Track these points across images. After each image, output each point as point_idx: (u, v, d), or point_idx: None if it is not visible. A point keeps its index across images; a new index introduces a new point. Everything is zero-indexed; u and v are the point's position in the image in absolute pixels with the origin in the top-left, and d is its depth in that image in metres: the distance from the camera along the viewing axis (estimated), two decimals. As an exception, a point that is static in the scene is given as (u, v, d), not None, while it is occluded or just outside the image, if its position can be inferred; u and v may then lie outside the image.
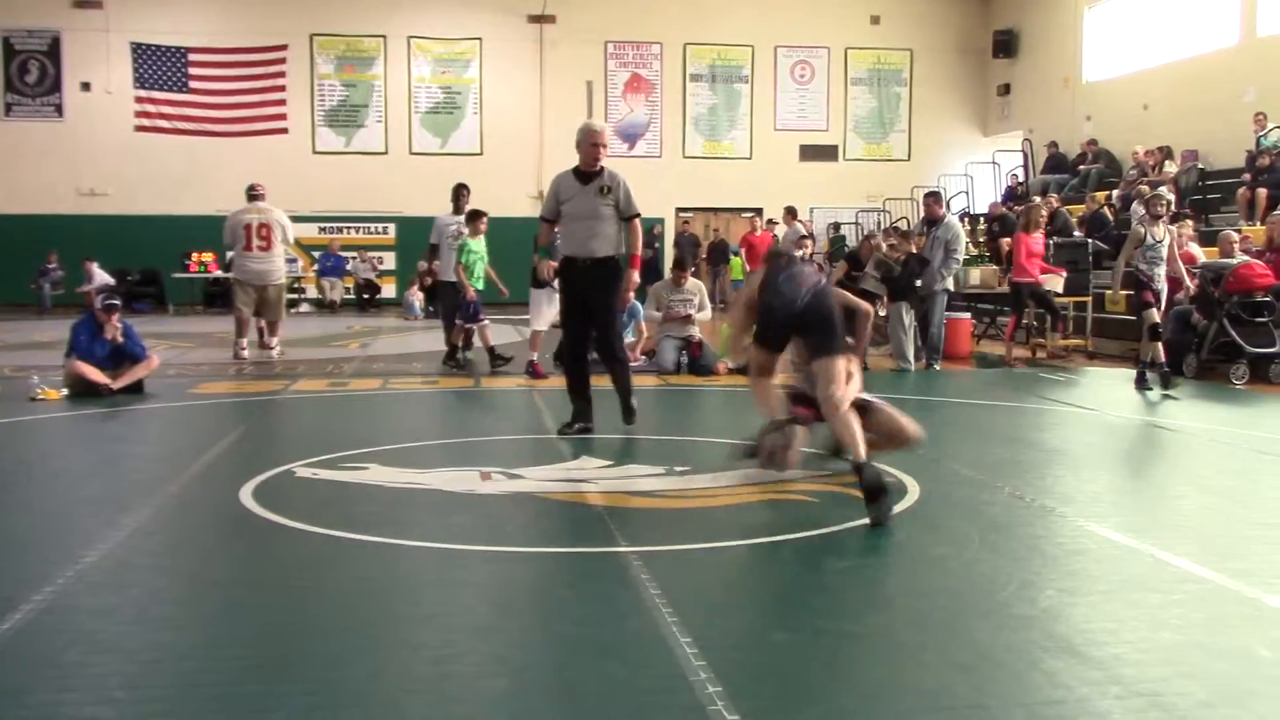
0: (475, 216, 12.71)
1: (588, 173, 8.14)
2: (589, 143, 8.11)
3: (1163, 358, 11.08)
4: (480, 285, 12.65)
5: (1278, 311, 12.04)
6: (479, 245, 12.63)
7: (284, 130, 25.70)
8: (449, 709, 3.36)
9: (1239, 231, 14.08)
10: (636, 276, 8.36)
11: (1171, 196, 12.99)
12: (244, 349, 13.42)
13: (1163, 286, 11.32)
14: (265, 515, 5.66)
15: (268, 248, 13.37)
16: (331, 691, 3.44)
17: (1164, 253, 11.24)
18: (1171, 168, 19.26)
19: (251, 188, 13.77)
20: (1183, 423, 9.29)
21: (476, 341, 13.05)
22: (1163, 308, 11.44)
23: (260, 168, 23.51)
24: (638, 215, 8.29)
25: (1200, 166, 18.61)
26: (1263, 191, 15.73)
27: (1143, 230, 11.36)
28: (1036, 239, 14.08)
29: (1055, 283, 14.55)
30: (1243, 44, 19.20)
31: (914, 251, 13.33)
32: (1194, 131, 19.66)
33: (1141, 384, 11.11)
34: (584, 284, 8.12)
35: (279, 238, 13.45)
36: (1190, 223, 14.96)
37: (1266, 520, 5.97)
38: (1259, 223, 14.48)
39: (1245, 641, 3.96)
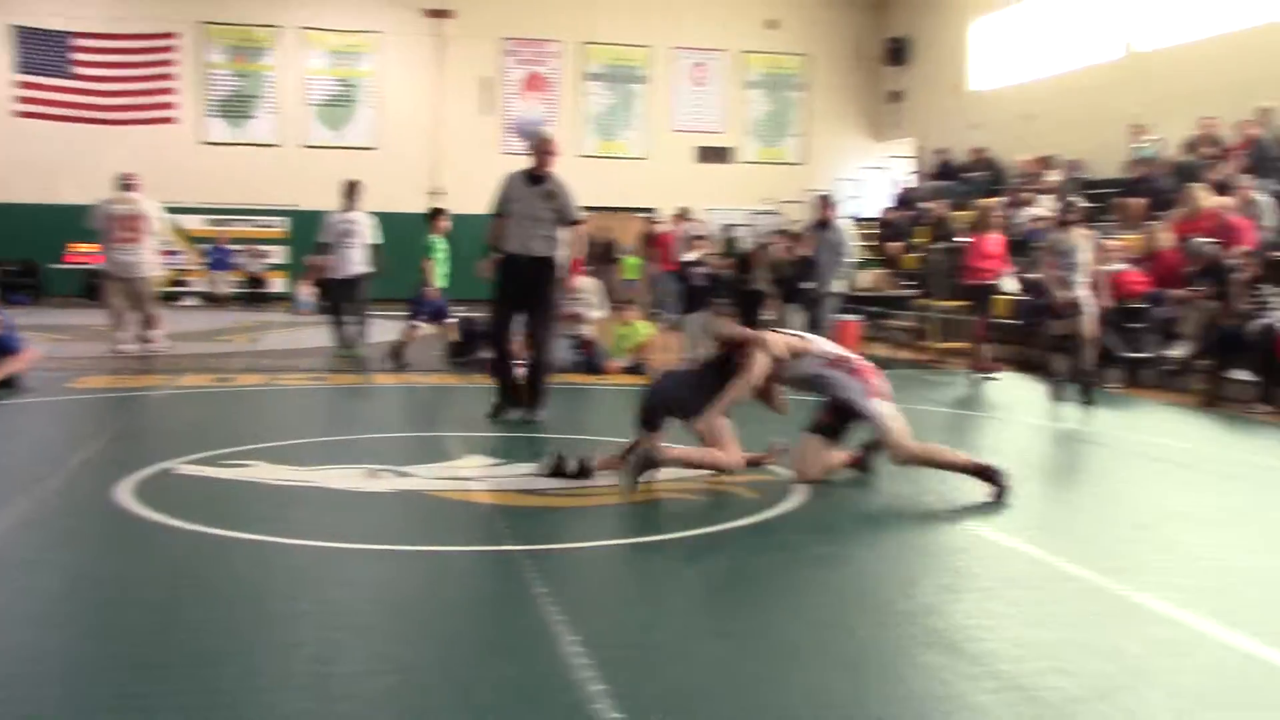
0: (437, 214, 12.88)
1: (537, 175, 8.56)
2: (542, 150, 8.64)
3: (1089, 365, 10.85)
4: (446, 284, 12.69)
5: (1152, 318, 12.45)
6: (444, 243, 12.69)
7: (172, 120, 25.04)
8: (329, 708, 3.30)
9: (1118, 240, 14.52)
10: (575, 280, 9.06)
11: (1082, 204, 12.87)
12: (123, 342, 13.06)
13: (1083, 294, 11.01)
14: (143, 513, 5.51)
15: (135, 240, 12.97)
16: (206, 691, 3.36)
17: (1079, 259, 11.01)
18: (1054, 177, 19.78)
19: (124, 178, 13.39)
20: (1061, 426, 9.55)
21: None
22: (1089, 313, 11.00)
23: (147, 157, 22.86)
24: (579, 221, 8.72)
25: (1082, 176, 19.14)
26: (1140, 201, 16.23)
27: (1056, 238, 11.27)
28: (992, 240, 13.74)
29: (1010, 284, 14.32)
30: (1124, 58, 19.81)
31: (804, 254, 13.51)
32: (1076, 141, 20.21)
33: (1061, 393, 10.79)
34: (522, 281, 8.47)
35: (147, 230, 13.10)
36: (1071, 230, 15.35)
37: (1139, 520, 6.17)
38: (1136, 232, 14.94)
39: (1116, 638, 4.08)
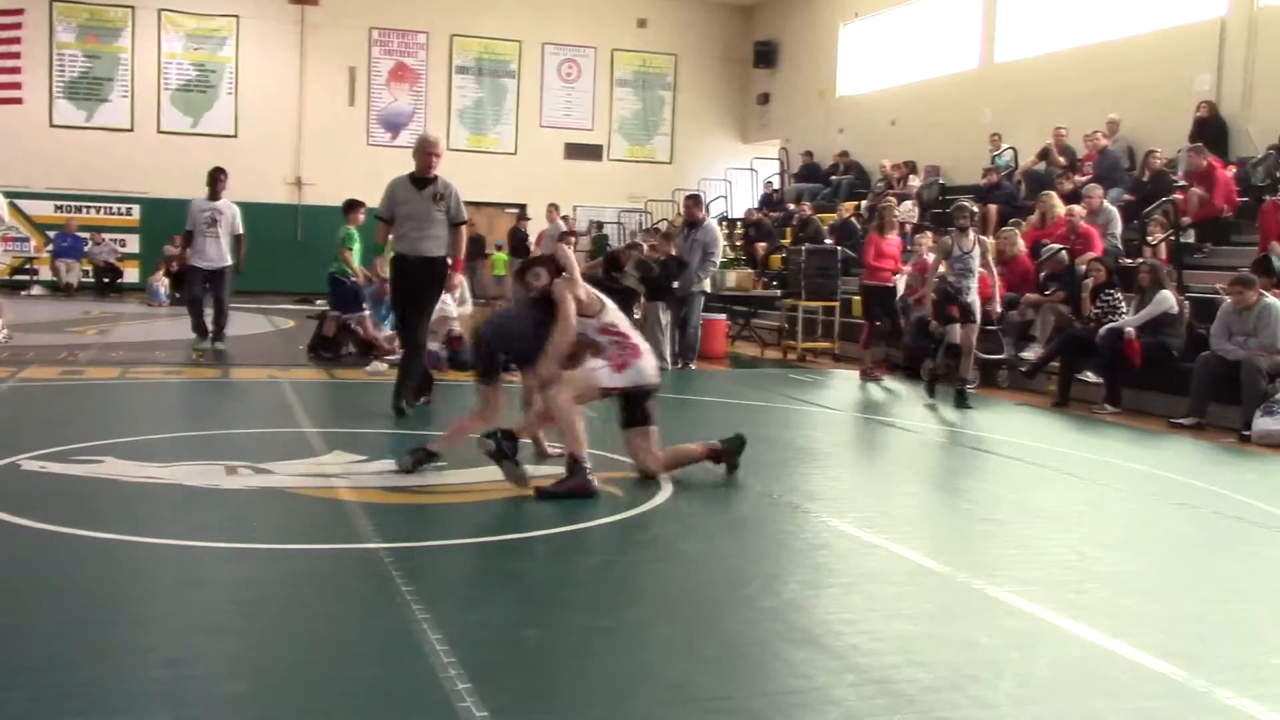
0: (353, 206, 12.93)
1: (423, 179, 8.73)
2: (425, 152, 8.75)
3: (966, 373, 11.05)
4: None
5: (1005, 320, 12.85)
6: (358, 234, 12.68)
7: (18, 100, 24.01)
8: (181, 713, 3.21)
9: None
10: (459, 277, 9.40)
11: (975, 208, 12.80)
12: None
13: (974, 300, 11.03)
14: (-15, 511, 5.27)
15: None
16: (52, 697, 3.24)
17: (973, 264, 10.98)
18: (915, 181, 20.29)
19: None
20: (918, 424, 9.80)
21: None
22: (977, 321, 11.13)
23: (-8, 139, 21.99)
24: (465, 222, 8.96)
25: (941, 181, 19.68)
26: (994, 207, 16.76)
27: (950, 241, 11.19)
28: (891, 240, 13.52)
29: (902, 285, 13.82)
30: (982, 68, 20.42)
31: (672, 253, 13.60)
32: (937, 148, 20.78)
33: (930, 394, 11.05)
34: (414, 280, 8.76)
35: None
36: (930, 234, 15.77)
37: (990, 516, 6.37)
38: (991, 236, 15.42)
39: (970, 630, 4.20)
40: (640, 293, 13.38)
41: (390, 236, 8.83)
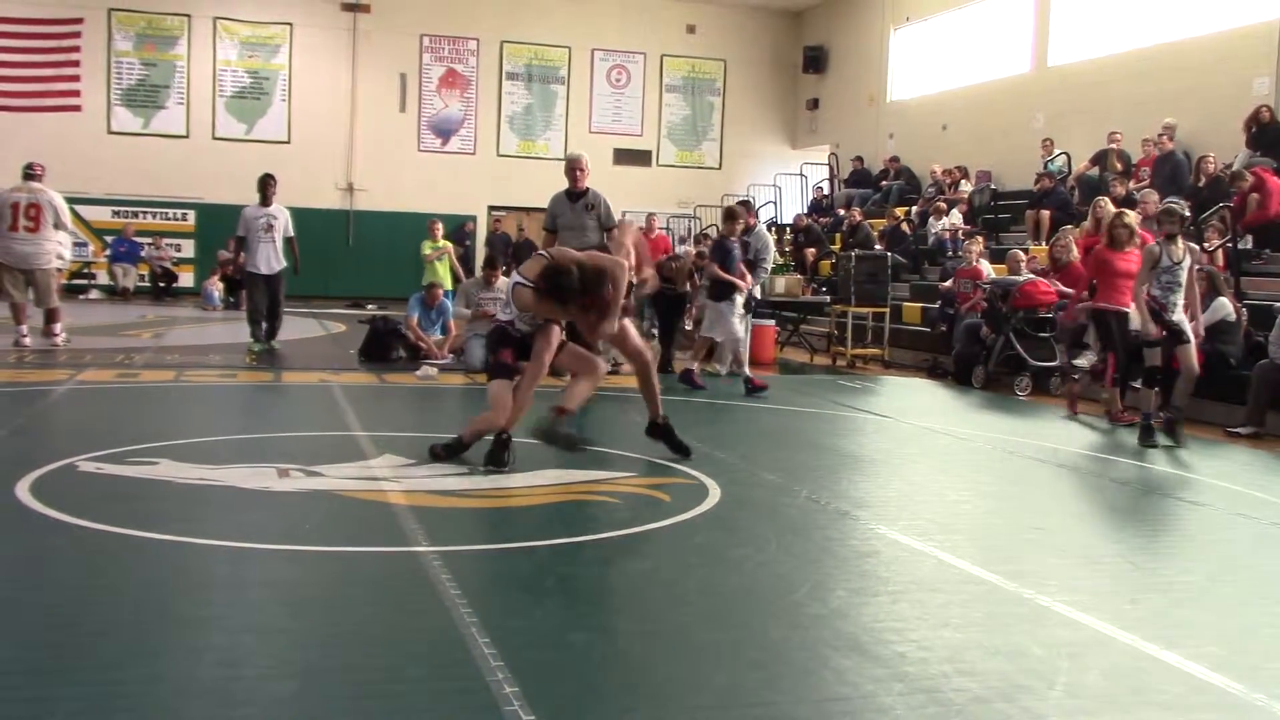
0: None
1: (576, 193, 9.96)
2: (572, 169, 10.05)
3: (1153, 406, 9.40)
4: None
5: (1059, 327, 12.72)
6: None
7: (77, 108, 24.41)
8: (233, 713, 3.24)
9: (1026, 251, 14.82)
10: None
11: (1185, 210, 10.97)
12: (25, 336, 12.71)
13: (1181, 317, 9.41)
14: (44, 511, 5.36)
15: (35, 229, 12.66)
16: (107, 695, 3.28)
17: (1182, 277, 9.35)
18: (967, 187, 20.15)
19: (28, 166, 13.13)
20: (969, 431, 9.72)
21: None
22: (1194, 342, 9.49)
23: (50, 146, 22.27)
24: (615, 226, 9.61)
25: (993, 187, 19.52)
26: (1047, 213, 16.60)
27: (1158, 249, 9.43)
28: (1130, 256, 10.18)
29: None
30: (1034, 72, 20.24)
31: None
32: (988, 153, 20.62)
33: (1147, 439, 9.16)
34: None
35: (49, 220, 12.76)
36: (981, 240, 15.67)
37: (1041, 525, 6.30)
38: (1044, 243, 15.27)
39: (1019, 640, 4.16)
40: (690, 300, 13.56)
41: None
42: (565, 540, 5.42)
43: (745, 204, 14.71)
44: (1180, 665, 3.94)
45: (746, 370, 11.65)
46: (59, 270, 13.57)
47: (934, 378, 13.57)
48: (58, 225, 12.90)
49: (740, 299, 11.59)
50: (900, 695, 3.56)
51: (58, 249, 13.02)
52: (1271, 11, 15.59)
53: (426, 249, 16.57)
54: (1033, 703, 3.54)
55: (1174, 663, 3.96)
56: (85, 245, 23.22)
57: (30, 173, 13.03)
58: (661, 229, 17.13)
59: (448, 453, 6.95)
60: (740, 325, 11.74)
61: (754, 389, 11.28)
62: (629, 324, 7.29)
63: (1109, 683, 3.78)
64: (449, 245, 16.92)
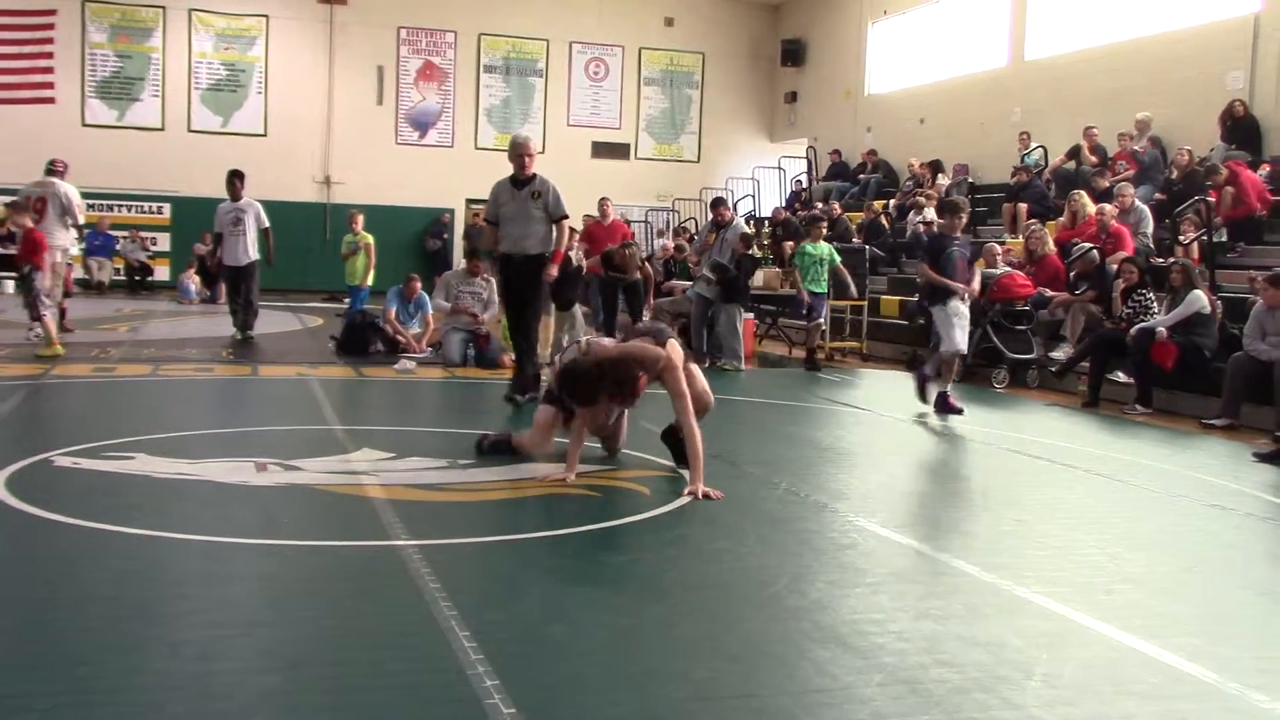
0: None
1: (520, 179, 9.22)
2: (518, 154, 9.22)
3: None
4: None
5: (1036, 320, 12.79)
6: None
7: (51, 100, 24.23)
8: (212, 706, 3.23)
9: (1003, 244, 14.89)
10: (555, 270, 9.39)
11: None
12: (36, 329, 12.80)
13: None
14: (18, 506, 5.33)
15: (39, 222, 12.69)
16: (84, 690, 3.26)
17: None
18: (944, 180, 20.21)
19: (51, 162, 13.31)
20: (947, 424, 9.75)
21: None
22: None
23: (24, 138, 22.18)
24: (565, 217, 9.36)
25: (970, 180, 19.58)
26: (1023, 206, 16.67)
27: None
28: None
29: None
30: (1011, 66, 20.31)
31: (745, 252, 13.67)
32: (965, 146, 20.69)
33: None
34: (518, 277, 9.20)
35: (54, 213, 12.75)
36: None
37: (1019, 517, 6.33)
38: (1021, 236, 15.34)
39: (998, 631, 4.18)
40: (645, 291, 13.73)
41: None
42: (545, 533, 5.42)
43: (721, 200, 14.76)
44: (1157, 655, 3.97)
45: (947, 385, 10.11)
46: (69, 265, 13.84)
47: (912, 370, 13.60)
48: (61, 217, 12.89)
49: (956, 304, 9.95)
50: (879, 686, 3.57)
51: (63, 242, 13.03)
52: (1246, 6, 15.69)
53: (344, 245, 16.18)
54: (1011, 693, 3.56)
55: (1151, 653, 3.99)
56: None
57: (51, 168, 13.21)
58: (618, 217, 16.16)
59: (493, 449, 7.02)
60: (962, 336, 10.04)
61: (947, 408, 9.90)
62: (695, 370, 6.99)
63: (1086, 673, 3.80)
64: (369, 239, 16.17)
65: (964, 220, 10.47)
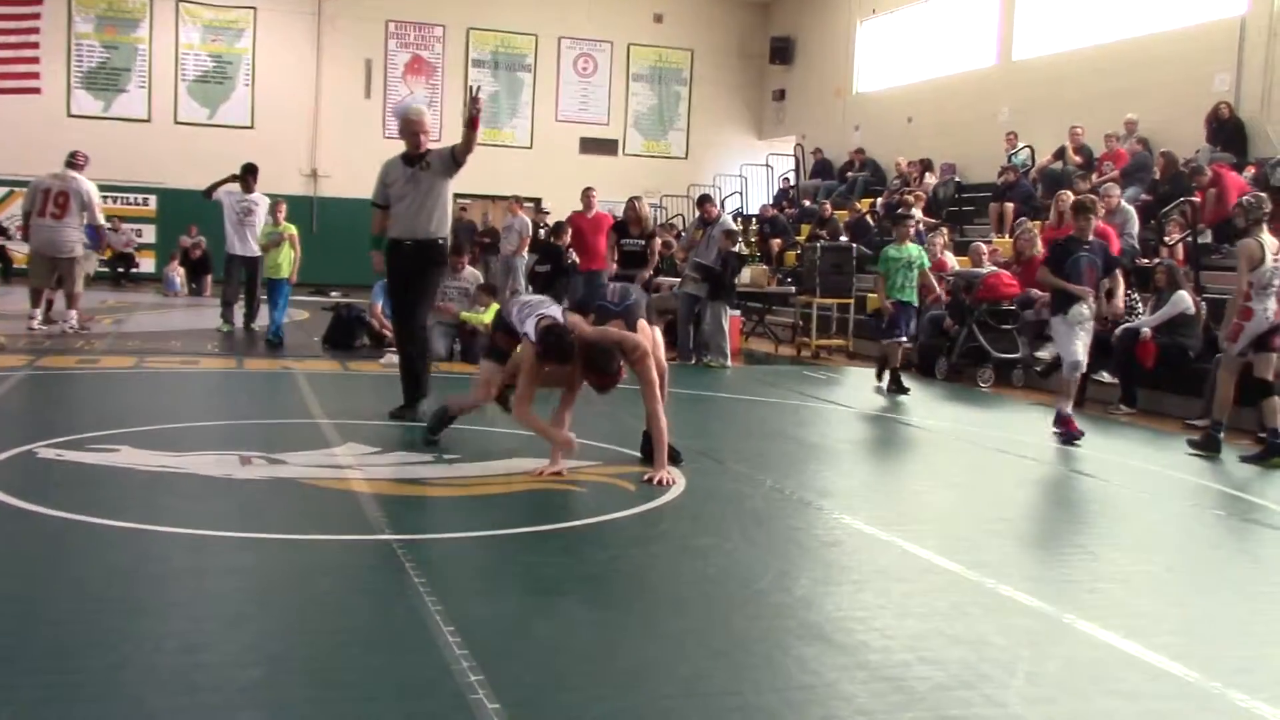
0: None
1: (412, 156, 8.07)
2: (410, 132, 8.09)
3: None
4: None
5: (1022, 320, 12.82)
6: None
7: (37, 90, 24.05)
8: (196, 700, 3.22)
9: (989, 243, 14.92)
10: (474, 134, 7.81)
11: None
12: (34, 319, 12.94)
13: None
14: (2, 498, 5.29)
15: (60, 217, 12.80)
16: (67, 684, 3.25)
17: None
18: (931, 179, 20.24)
19: (71, 155, 13.24)
20: (932, 422, 9.78)
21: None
22: None
23: (9, 128, 22.10)
24: (461, 163, 8.07)
25: (957, 180, 19.63)
26: (1010, 206, 16.71)
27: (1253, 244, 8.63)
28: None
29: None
30: (999, 65, 20.35)
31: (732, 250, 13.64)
32: (953, 145, 20.72)
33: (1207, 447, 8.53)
34: (410, 265, 8.06)
35: (76, 208, 12.83)
36: (945, 232, 15.77)
37: (1004, 515, 6.36)
38: (1008, 235, 15.38)
39: (981, 629, 4.19)
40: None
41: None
42: (530, 529, 5.42)
43: (707, 197, 14.76)
44: (1139, 654, 3.99)
45: (1067, 408, 8.99)
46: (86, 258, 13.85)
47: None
48: (82, 212, 12.93)
49: (1078, 311, 8.89)
50: (863, 683, 3.58)
51: (83, 237, 13.15)
52: (1233, 8, 15.76)
53: (262, 237, 14.29)
54: (994, 691, 3.58)
55: (1133, 652, 4.01)
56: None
57: (72, 161, 13.13)
58: (604, 210, 15.57)
59: (438, 426, 7.08)
60: (1082, 348, 8.97)
61: (1067, 434, 8.84)
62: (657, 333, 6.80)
63: (1069, 671, 3.82)
64: (292, 230, 14.39)
65: (1095, 223, 9.31)
